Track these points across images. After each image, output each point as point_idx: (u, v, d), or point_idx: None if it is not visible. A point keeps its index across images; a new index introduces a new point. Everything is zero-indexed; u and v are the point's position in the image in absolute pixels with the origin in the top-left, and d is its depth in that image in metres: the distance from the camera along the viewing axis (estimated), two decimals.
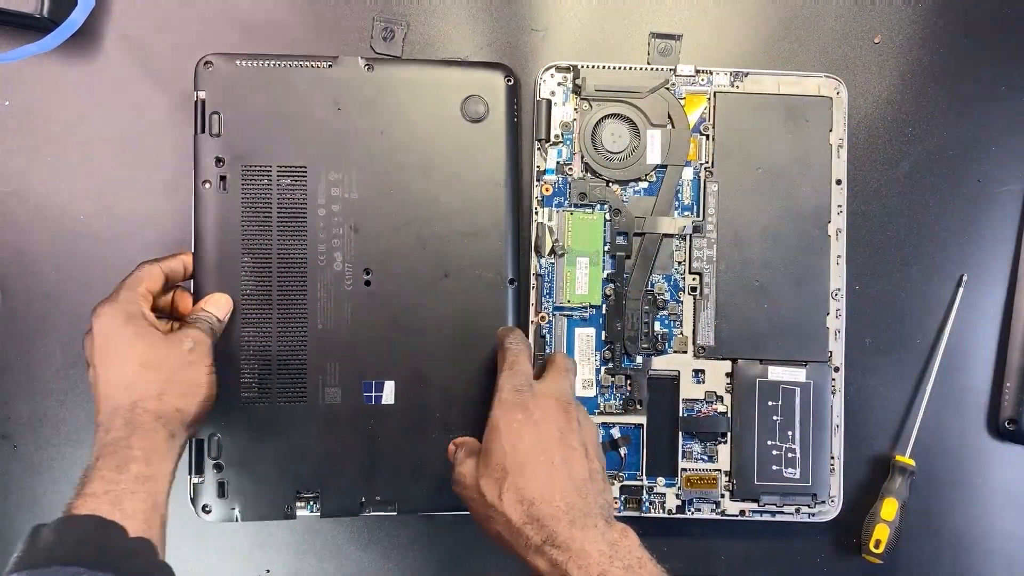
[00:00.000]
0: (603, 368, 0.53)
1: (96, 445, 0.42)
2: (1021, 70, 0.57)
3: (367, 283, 0.51)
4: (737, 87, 0.54)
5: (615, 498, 0.53)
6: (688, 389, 0.54)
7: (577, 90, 0.54)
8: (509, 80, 0.52)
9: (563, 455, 0.42)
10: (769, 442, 0.53)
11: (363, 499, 0.51)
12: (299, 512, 0.51)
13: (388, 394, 0.51)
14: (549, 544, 0.39)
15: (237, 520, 0.50)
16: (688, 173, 0.54)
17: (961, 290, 0.56)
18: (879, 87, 0.56)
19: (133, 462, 0.40)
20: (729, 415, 0.53)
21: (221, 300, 0.49)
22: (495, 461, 0.42)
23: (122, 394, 0.43)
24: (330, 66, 0.51)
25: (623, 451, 0.53)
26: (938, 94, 0.57)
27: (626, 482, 0.53)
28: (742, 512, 0.53)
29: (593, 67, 0.54)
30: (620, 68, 0.54)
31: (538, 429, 0.42)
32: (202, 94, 0.50)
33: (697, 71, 0.54)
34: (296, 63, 0.51)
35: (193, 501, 0.51)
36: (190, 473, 0.51)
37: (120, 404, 0.42)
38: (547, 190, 0.53)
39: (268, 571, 0.55)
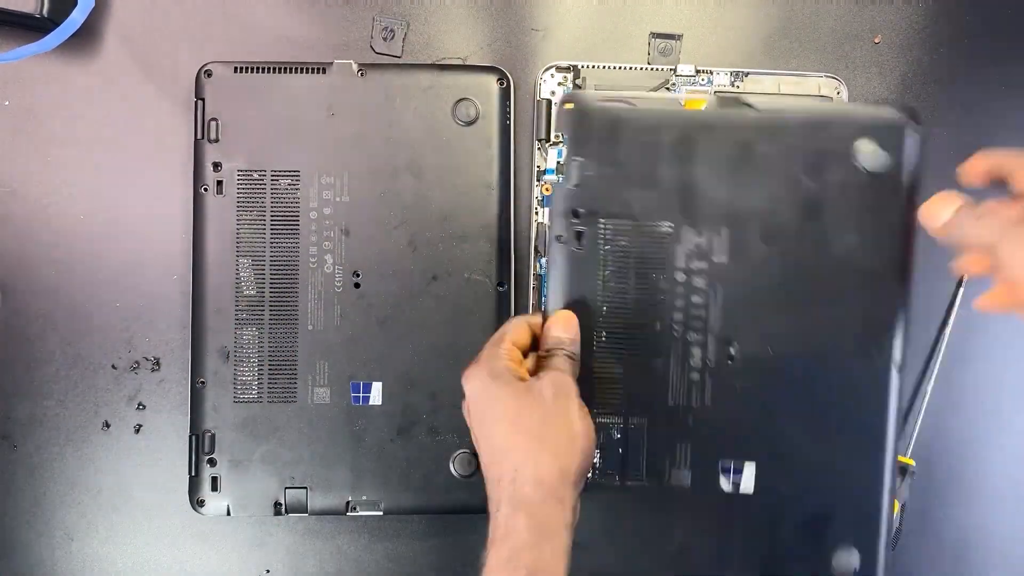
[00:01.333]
0: None
1: (490, 524, 0.38)
2: (1021, 70, 0.57)
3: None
4: (737, 87, 0.54)
5: None
6: None
7: (577, 90, 0.54)
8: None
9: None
10: None
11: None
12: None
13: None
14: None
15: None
16: None
17: (962, 290, 0.56)
18: (879, 87, 0.56)
19: (524, 550, 0.36)
20: None
21: (563, 319, 0.43)
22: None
23: (500, 464, 0.38)
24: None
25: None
26: (938, 94, 0.57)
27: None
28: None
29: (593, 67, 0.54)
30: (620, 68, 0.54)
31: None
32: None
33: (697, 71, 0.54)
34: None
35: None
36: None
37: (501, 475, 0.38)
38: (547, 190, 0.53)
39: (268, 571, 0.55)
